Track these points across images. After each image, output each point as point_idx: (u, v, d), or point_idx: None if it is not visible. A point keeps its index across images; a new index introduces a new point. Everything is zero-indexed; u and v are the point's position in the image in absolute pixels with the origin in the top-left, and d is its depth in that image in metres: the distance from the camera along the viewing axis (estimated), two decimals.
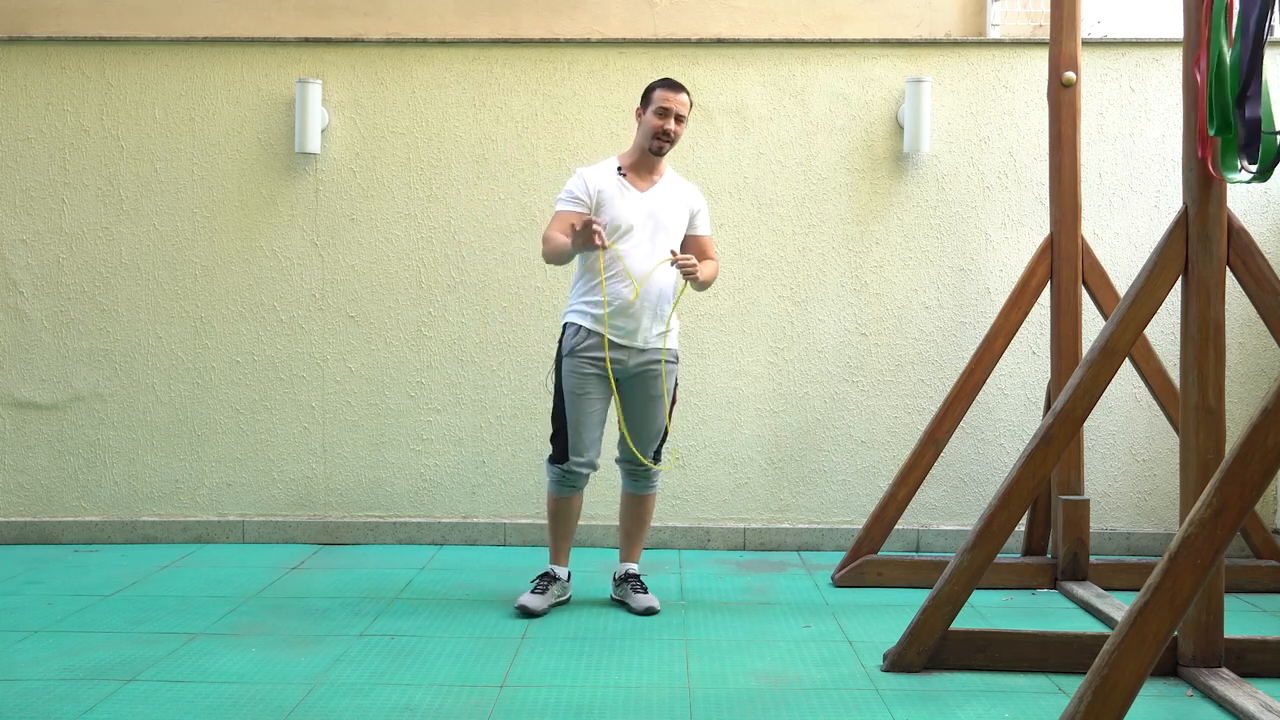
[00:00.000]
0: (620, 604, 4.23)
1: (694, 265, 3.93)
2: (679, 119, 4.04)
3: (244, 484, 5.16)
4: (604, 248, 3.88)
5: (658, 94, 4.04)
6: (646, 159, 4.10)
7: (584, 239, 3.85)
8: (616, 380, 4.04)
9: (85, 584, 4.46)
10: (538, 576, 4.18)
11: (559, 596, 4.17)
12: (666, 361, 4.07)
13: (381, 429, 5.15)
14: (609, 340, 3.99)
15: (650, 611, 4.10)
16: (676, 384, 4.18)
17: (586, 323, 4.01)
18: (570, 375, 4.03)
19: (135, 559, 4.86)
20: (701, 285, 4.08)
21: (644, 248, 4.00)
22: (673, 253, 3.99)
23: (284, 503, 5.16)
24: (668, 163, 4.25)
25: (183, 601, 4.21)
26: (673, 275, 4.03)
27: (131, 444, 5.15)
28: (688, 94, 4.09)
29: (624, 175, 4.09)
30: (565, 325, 4.09)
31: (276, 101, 5.13)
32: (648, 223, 4.03)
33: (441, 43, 5.13)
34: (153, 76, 5.13)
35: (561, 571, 4.19)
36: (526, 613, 4.02)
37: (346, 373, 5.15)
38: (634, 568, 4.26)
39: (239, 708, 3.14)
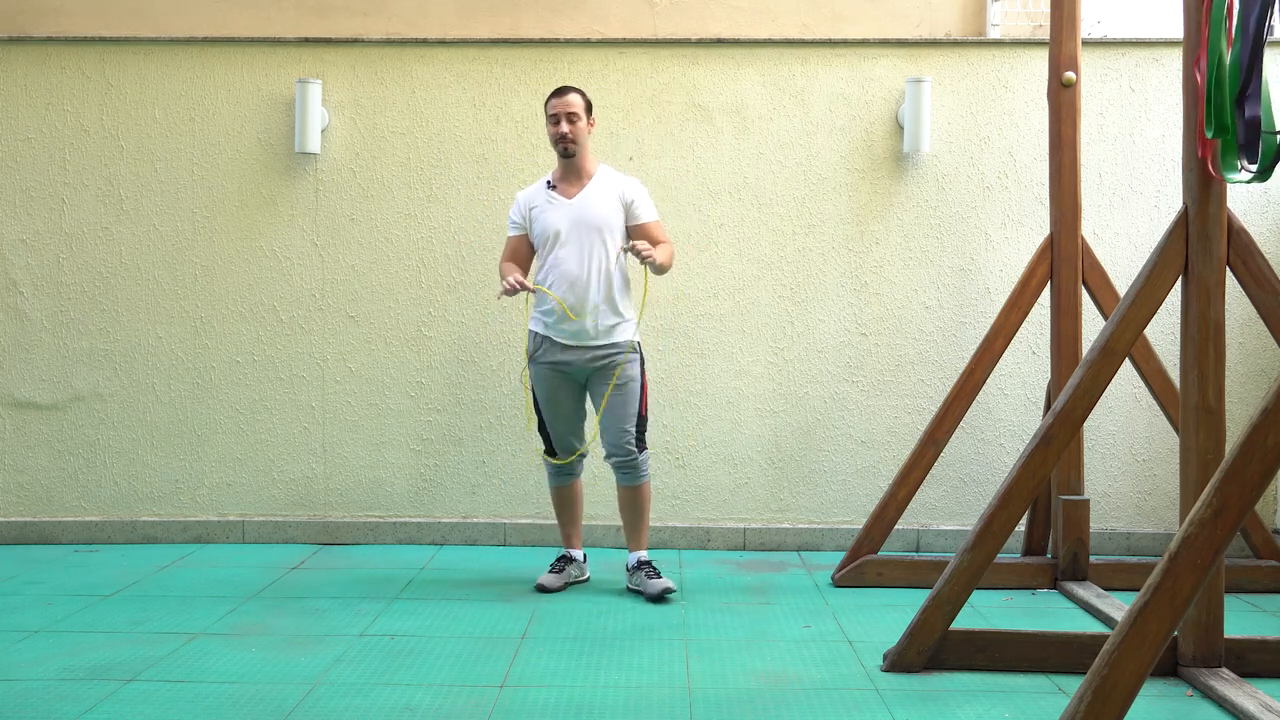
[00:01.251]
0: (637, 592, 4.35)
1: (648, 249, 4.09)
2: (571, 118, 4.24)
3: (244, 484, 5.16)
4: (522, 289, 4.11)
5: (547, 106, 4.31)
6: (568, 167, 4.33)
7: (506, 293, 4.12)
8: (585, 376, 4.28)
9: (85, 584, 4.46)
10: (556, 559, 4.47)
11: (576, 577, 4.49)
12: (621, 353, 4.24)
13: (381, 429, 5.15)
14: (560, 344, 4.23)
15: (668, 591, 4.25)
16: (643, 371, 4.33)
17: (540, 329, 4.29)
18: (536, 380, 4.34)
19: (135, 559, 4.86)
20: (659, 268, 4.22)
21: (575, 250, 4.21)
22: (623, 247, 4.21)
23: (284, 503, 5.16)
24: (600, 163, 4.45)
25: (183, 601, 4.21)
26: (613, 276, 4.23)
27: (131, 444, 5.15)
28: (577, 92, 4.30)
29: (553, 188, 4.32)
30: (529, 331, 4.36)
31: (276, 101, 5.13)
32: (576, 227, 4.24)
33: (441, 43, 5.13)
34: (153, 76, 5.14)
35: (577, 553, 4.48)
36: (543, 589, 4.33)
37: (346, 373, 5.15)
38: (644, 555, 4.40)
39: (239, 708, 3.14)
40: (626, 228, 4.29)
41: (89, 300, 5.14)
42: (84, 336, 5.14)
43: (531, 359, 4.31)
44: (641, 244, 4.11)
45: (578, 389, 4.31)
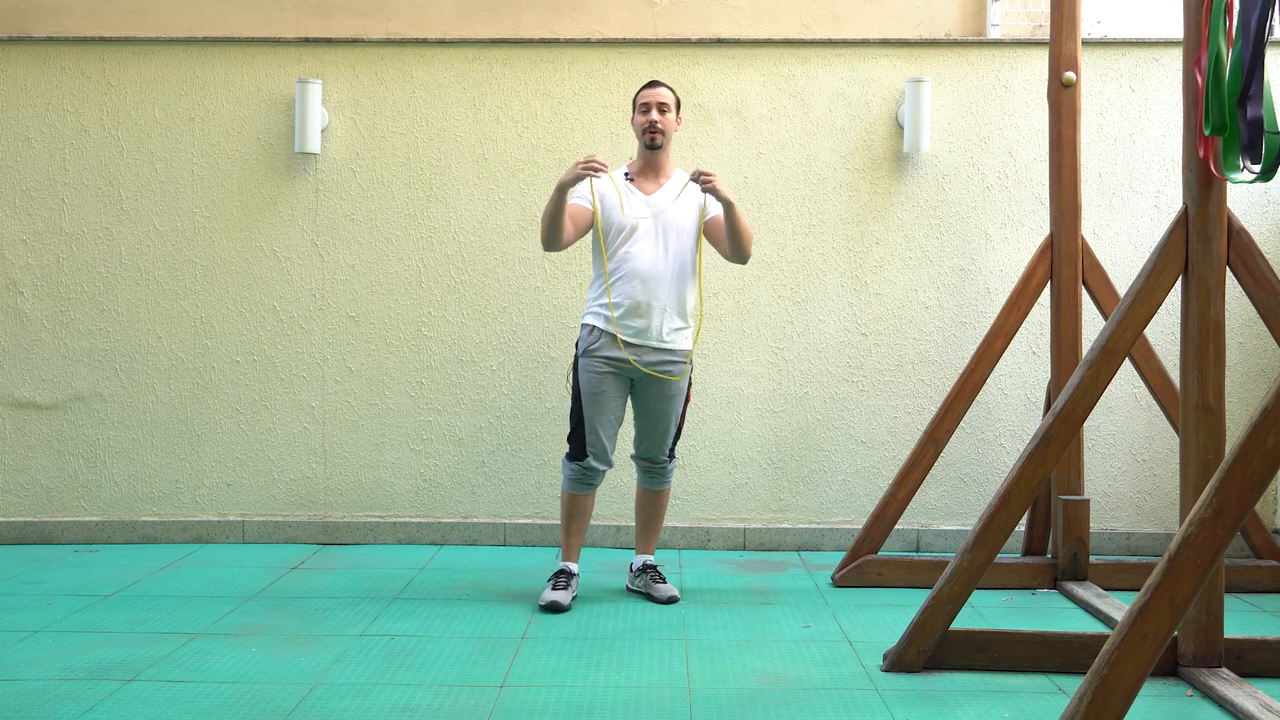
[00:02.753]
0: (639, 594, 4.32)
1: (711, 175, 3.92)
2: (661, 108, 4.16)
3: (244, 484, 5.16)
4: (596, 171, 3.89)
5: (638, 97, 4.21)
6: (649, 161, 4.20)
7: (576, 174, 3.89)
8: (631, 379, 4.15)
9: (85, 584, 4.46)
10: (555, 574, 4.25)
11: (575, 591, 4.25)
12: (679, 362, 4.14)
13: (381, 429, 5.15)
14: (621, 340, 4.07)
15: (672, 600, 4.21)
16: (691, 383, 4.25)
17: (600, 323, 4.12)
18: (585, 374, 4.14)
19: (135, 559, 4.86)
20: (733, 222, 4.02)
21: (650, 247, 4.09)
22: (697, 173, 3.95)
23: (284, 503, 5.16)
24: (676, 165, 4.33)
25: (183, 601, 4.21)
26: (685, 279, 4.12)
27: (131, 444, 5.15)
28: (667, 87, 4.22)
29: (631, 180, 4.20)
30: (583, 325, 4.20)
31: (276, 101, 5.13)
32: (654, 222, 4.11)
33: (441, 43, 5.13)
34: (153, 76, 5.14)
35: (574, 568, 4.28)
36: (556, 607, 4.08)
37: (346, 373, 5.15)
38: (651, 559, 4.36)
39: (239, 708, 3.14)
40: (704, 224, 4.17)
41: (89, 300, 5.14)
42: (84, 336, 5.14)
43: (585, 352, 4.13)
44: (703, 172, 3.92)
45: (625, 389, 4.16)
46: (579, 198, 4.13)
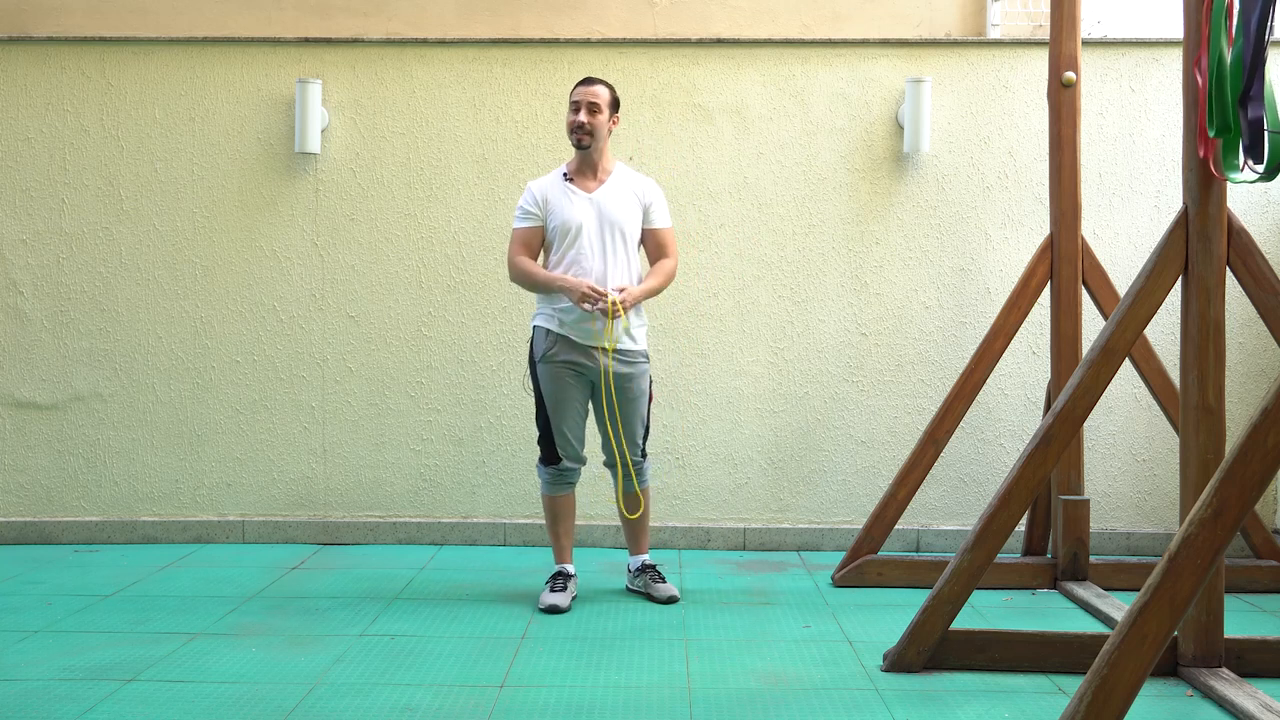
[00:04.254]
0: (638, 594, 4.32)
1: (620, 303, 3.99)
2: (591, 108, 4.10)
3: (244, 484, 5.16)
4: (604, 312, 3.98)
5: (571, 93, 4.16)
6: (584, 160, 4.18)
7: (578, 299, 3.98)
8: (591, 382, 4.15)
9: (85, 584, 4.46)
10: (552, 576, 4.25)
11: (574, 592, 4.25)
12: (635, 361, 4.15)
13: (381, 429, 5.15)
14: (576, 344, 4.08)
15: (672, 600, 4.21)
16: (651, 381, 4.27)
17: (553, 325, 4.10)
18: (546, 381, 4.13)
19: (135, 559, 4.86)
20: (651, 294, 4.16)
21: (597, 246, 4.09)
22: (610, 302, 4.00)
23: (284, 503, 5.16)
24: (617, 160, 4.34)
25: (183, 601, 4.21)
26: (634, 275, 4.15)
27: (131, 444, 5.15)
28: (605, 85, 4.17)
29: (570, 180, 4.17)
30: (534, 328, 4.18)
31: (276, 101, 5.13)
32: (597, 221, 4.10)
33: (441, 43, 5.13)
34: (153, 76, 5.14)
35: (570, 569, 4.28)
36: (555, 609, 4.08)
37: (346, 373, 5.15)
38: (647, 558, 4.35)
39: (239, 708, 3.14)
40: (642, 229, 4.19)
41: (89, 300, 5.14)
42: (84, 336, 5.14)
43: (542, 358, 4.12)
44: (615, 296, 3.99)
45: (587, 387, 4.16)
46: (528, 218, 4.14)
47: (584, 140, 4.10)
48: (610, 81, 4.32)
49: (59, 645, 3.69)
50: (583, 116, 4.09)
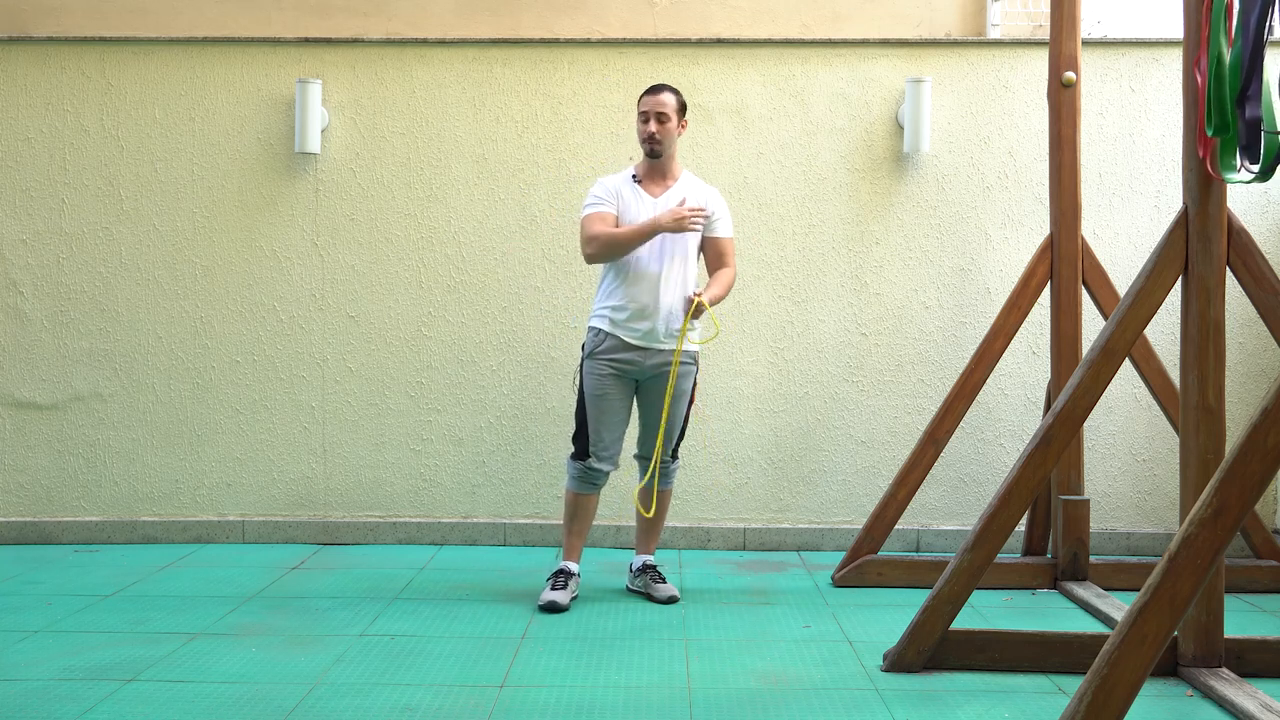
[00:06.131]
0: (638, 594, 4.33)
1: (701, 299, 4.04)
2: (660, 118, 4.13)
3: (244, 484, 5.16)
4: (699, 225, 4.04)
5: (639, 103, 4.19)
6: (653, 166, 4.22)
7: (675, 223, 4.00)
8: (636, 381, 4.17)
9: (85, 584, 4.46)
10: (554, 573, 4.24)
11: (574, 591, 4.24)
12: (683, 363, 4.15)
13: (381, 429, 5.15)
14: (626, 342, 4.10)
15: (672, 600, 4.22)
16: (695, 385, 4.28)
17: (606, 326, 4.14)
18: (590, 377, 4.16)
19: (135, 559, 4.86)
20: (714, 302, 4.15)
21: (656, 250, 4.11)
22: (693, 297, 4.06)
23: (284, 503, 5.16)
24: (684, 167, 4.35)
25: (183, 601, 4.21)
26: (690, 281, 4.16)
27: (131, 444, 5.15)
28: (672, 91, 4.19)
29: (638, 183, 4.21)
30: (589, 329, 4.21)
31: (276, 101, 5.13)
32: None
33: (441, 43, 5.13)
34: (153, 76, 5.14)
35: (574, 568, 4.27)
36: (554, 607, 4.08)
37: (346, 373, 5.15)
38: (650, 559, 4.36)
39: (239, 708, 3.14)
40: (703, 238, 4.21)
41: (89, 300, 5.14)
42: (84, 336, 5.14)
43: (590, 354, 4.16)
44: (697, 296, 4.03)
45: (631, 390, 4.18)
46: (603, 204, 4.15)
47: (656, 149, 4.15)
48: (676, 87, 4.29)
49: (59, 645, 3.69)
50: (653, 127, 4.13)
